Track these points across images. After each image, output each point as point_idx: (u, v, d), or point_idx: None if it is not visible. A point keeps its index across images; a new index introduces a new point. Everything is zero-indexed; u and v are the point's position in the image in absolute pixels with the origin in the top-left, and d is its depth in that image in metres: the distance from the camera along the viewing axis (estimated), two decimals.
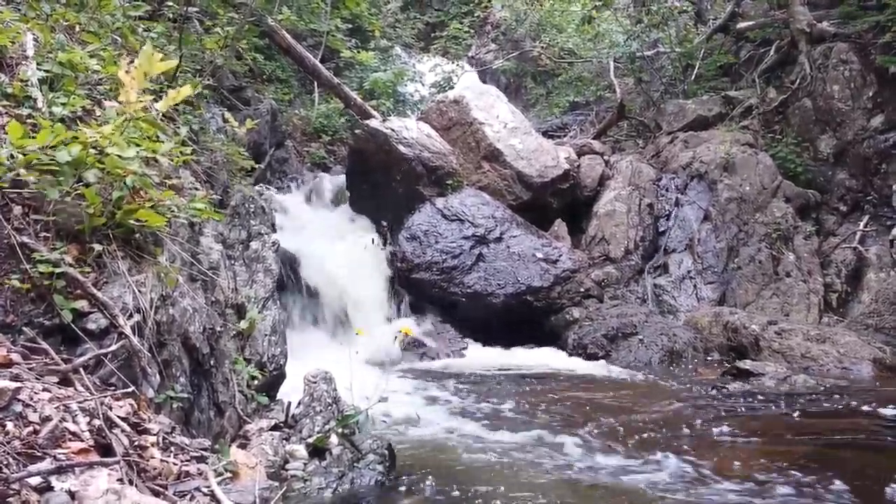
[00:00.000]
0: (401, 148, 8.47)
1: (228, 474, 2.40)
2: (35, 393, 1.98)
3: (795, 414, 4.67)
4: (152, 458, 2.09)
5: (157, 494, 1.96)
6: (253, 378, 4.10)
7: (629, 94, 12.25)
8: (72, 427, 1.94)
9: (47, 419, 1.88)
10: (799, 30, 9.53)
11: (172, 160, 3.13)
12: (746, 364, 5.96)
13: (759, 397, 5.13)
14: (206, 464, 2.29)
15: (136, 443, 2.10)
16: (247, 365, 4.12)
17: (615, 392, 5.58)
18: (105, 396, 2.17)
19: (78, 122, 3.01)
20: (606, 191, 9.47)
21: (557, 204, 9.32)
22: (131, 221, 2.67)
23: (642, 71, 12.43)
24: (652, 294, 8.41)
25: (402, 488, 3.23)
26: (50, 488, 1.66)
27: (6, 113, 2.84)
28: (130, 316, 2.50)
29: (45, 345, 2.26)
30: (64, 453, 1.82)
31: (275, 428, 3.61)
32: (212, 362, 3.35)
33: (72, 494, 1.65)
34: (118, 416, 2.14)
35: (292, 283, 7.33)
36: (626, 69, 12.63)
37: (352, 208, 9.12)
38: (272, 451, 3.25)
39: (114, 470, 1.84)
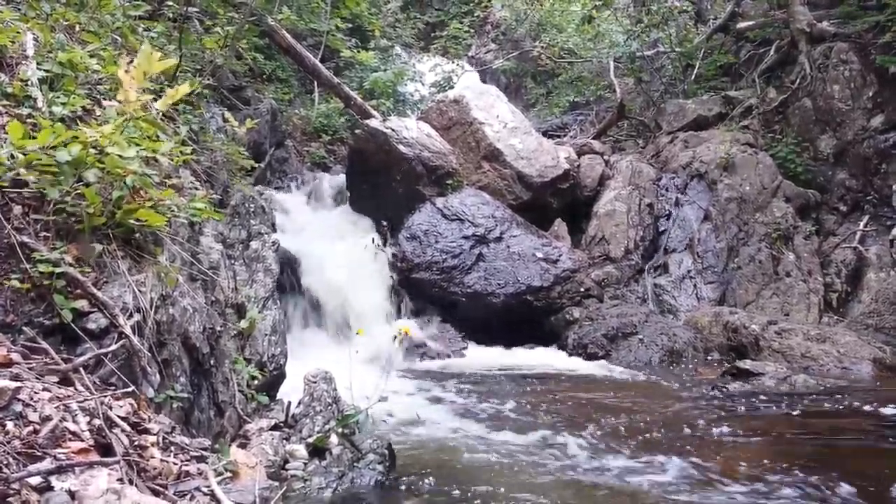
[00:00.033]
0: (401, 148, 8.47)
1: (228, 474, 2.40)
2: (35, 392, 1.98)
3: (796, 414, 4.67)
4: (152, 457, 2.08)
5: (157, 494, 1.96)
6: (253, 378, 4.10)
7: (629, 94, 12.25)
8: (72, 427, 1.94)
9: (47, 419, 1.88)
10: (799, 30, 9.52)
11: (172, 160, 3.13)
12: (746, 364, 5.97)
13: (761, 397, 5.12)
14: (206, 463, 2.29)
15: (136, 442, 2.10)
16: (247, 365, 4.12)
17: (616, 392, 5.58)
18: (105, 396, 2.17)
19: (78, 121, 3.01)
20: (606, 191, 9.47)
21: (557, 204, 9.32)
22: (131, 221, 2.67)
23: (642, 71, 12.43)
24: (652, 294, 8.41)
25: (402, 488, 3.23)
26: (50, 488, 1.66)
27: (6, 112, 2.84)
28: (130, 315, 2.50)
29: (45, 344, 2.26)
30: (64, 453, 1.82)
31: (275, 428, 3.61)
32: (212, 362, 3.35)
33: (72, 494, 1.65)
34: (118, 416, 2.14)
35: (292, 284, 7.33)
36: (626, 69, 12.64)
37: (352, 208, 9.12)
38: (272, 450, 3.25)
39: (114, 470, 1.84)
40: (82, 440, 1.91)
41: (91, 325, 2.37)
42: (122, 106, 2.75)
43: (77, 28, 3.95)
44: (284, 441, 3.46)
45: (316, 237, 8.11)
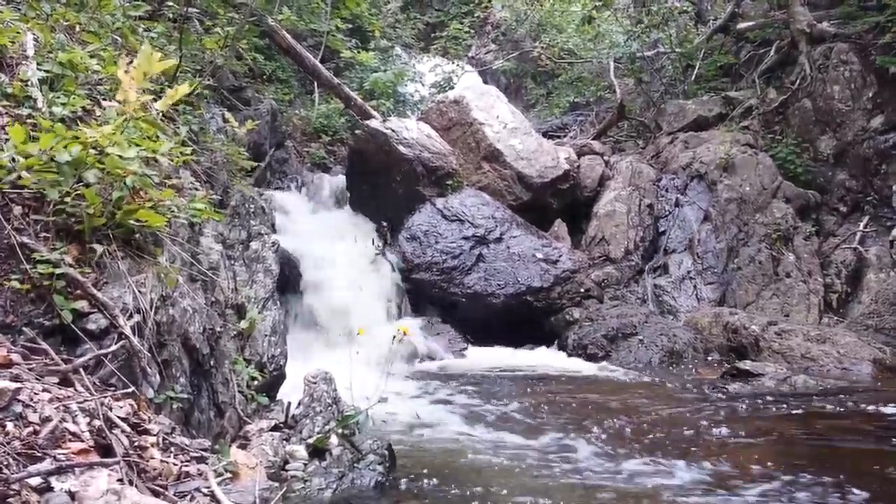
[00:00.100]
0: (401, 148, 8.47)
1: (228, 475, 2.40)
2: (35, 393, 1.98)
3: (797, 415, 4.67)
4: (152, 458, 2.08)
5: (157, 495, 1.95)
6: (253, 378, 4.10)
7: (629, 95, 12.24)
8: (72, 427, 1.94)
9: (47, 419, 1.88)
10: (799, 30, 9.53)
11: (172, 160, 3.13)
12: (746, 365, 5.97)
13: (762, 398, 5.12)
14: (206, 464, 2.28)
15: (136, 443, 2.10)
16: (247, 365, 4.12)
17: (617, 393, 5.58)
18: (105, 397, 2.17)
19: (78, 122, 3.01)
20: (606, 191, 9.47)
21: (557, 204, 9.32)
22: (131, 222, 2.66)
23: (642, 71, 12.43)
24: (652, 294, 8.41)
25: (403, 489, 3.23)
26: (50, 489, 1.66)
27: (6, 113, 2.84)
28: (130, 316, 2.50)
29: (45, 345, 2.26)
30: (64, 454, 1.82)
31: (275, 428, 3.61)
32: (212, 363, 3.35)
33: (72, 495, 1.65)
34: (118, 417, 2.14)
35: (292, 284, 7.32)
36: (626, 69, 12.64)
37: (352, 208, 9.12)
38: (272, 451, 3.24)
39: (114, 470, 1.84)
40: (82, 441, 1.91)
41: (91, 326, 2.37)
42: (121, 106, 2.75)
43: (77, 28, 3.95)
44: (284, 442, 3.46)
45: (316, 238, 8.11)
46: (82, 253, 2.51)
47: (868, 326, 7.47)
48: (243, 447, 3.17)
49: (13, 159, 2.40)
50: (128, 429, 2.13)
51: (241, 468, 2.49)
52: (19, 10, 3.68)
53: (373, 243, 8.16)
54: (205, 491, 2.08)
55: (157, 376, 2.62)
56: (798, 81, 9.37)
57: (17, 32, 3.28)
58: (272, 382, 4.50)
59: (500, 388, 5.81)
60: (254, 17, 8.01)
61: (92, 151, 2.55)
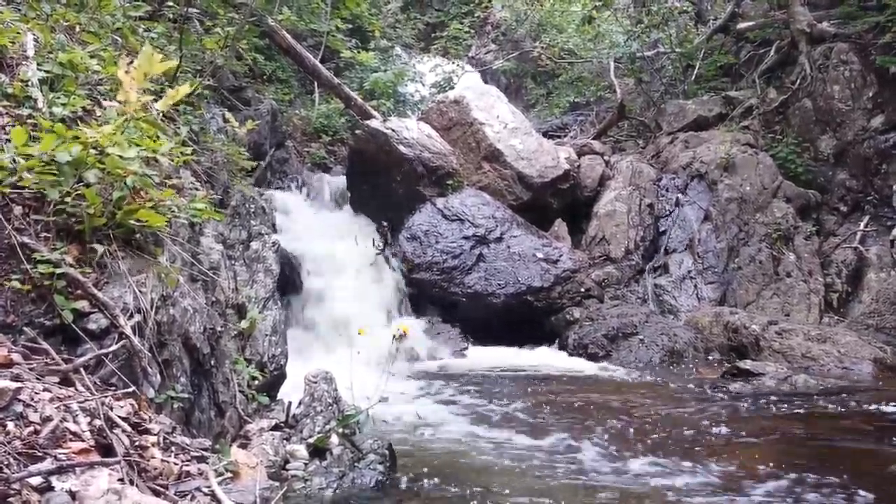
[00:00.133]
0: (401, 148, 8.47)
1: (229, 474, 2.40)
2: (36, 393, 1.98)
3: (799, 414, 4.68)
4: (153, 458, 2.09)
5: (157, 494, 1.96)
6: (253, 378, 4.10)
7: (629, 95, 12.24)
8: (72, 427, 1.94)
9: (48, 419, 1.88)
10: (799, 30, 9.52)
11: (173, 160, 3.13)
12: (747, 364, 5.97)
13: (764, 398, 5.12)
14: (207, 464, 2.29)
15: (136, 443, 2.10)
16: (247, 365, 4.12)
17: (617, 392, 5.58)
18: (106, 396, 2.17)
19: (78, 122, 3.01)
20: (607, 191, 9.47)
21: (558, 204, 9.32)
22: (132, 222, 2.67)
23: (642, 71, 12.43)
24: (652, 294, 8.41)
25: (403, 488, 3.23)
26: (51, 488, 1.66)
27: (7, 113, 2.84)
28: (131, 316, 2.50)
29: (45, 345, 2.26)
30: (65, 453, 1.82)
31: (275, 428, 3.61)
32: (212, 362, 3.35)
33: (72, 494, 1.65)
34: (119, 416, 2.14)
35: (292, 284, 7.32)
36: (626, 69, 12.63)
37: (352, 208, 9.12)
38: (273, 451, 3.25)
39: (114, 470, 1.84)
40: (83, 440, 1.91)
41: (92, 326, 2.38)
42: (122, 106, 2.75)
43: (77, 29, 3.95)
44: (285, 441, 3.46)
45: (316, 238, 8.11)
46: (83, 253, 2.51)
47: (869, 326, 7.47)
48: (244, 447, 3.17)
49: (14, 160, 2.41)
50: (128, 428, 2.13)
51: (242, 468, 2.49)
52: (19, 10, 3.69)
53: (373, 243, 8.16)
54: (205, 490, 2.08)
55: (158, 376, 2.62)
56: (798, 81, 9.36)
57: (18, 33, 3.29)
58: (273, 382, 4.50)
59: (500, 388, 5.81)
60: (254, 17, 8.01)
61: (92, 151, 2.55)
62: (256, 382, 4.12)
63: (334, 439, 3.43)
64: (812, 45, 9.36)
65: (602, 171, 9.83)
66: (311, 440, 3.45)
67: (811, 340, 6.43)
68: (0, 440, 1.74)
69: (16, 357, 2.12)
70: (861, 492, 3.17)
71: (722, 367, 6.33)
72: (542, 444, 4.09)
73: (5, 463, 1.67)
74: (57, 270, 2.34)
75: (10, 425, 1.81)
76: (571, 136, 12.31)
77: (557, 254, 8.21)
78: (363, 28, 13.30)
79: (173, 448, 2.27)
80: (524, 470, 3.58)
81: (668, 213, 9.12)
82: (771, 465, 3.59)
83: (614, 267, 8.63)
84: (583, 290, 8.02)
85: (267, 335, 4.61)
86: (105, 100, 3.32)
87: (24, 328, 2.26)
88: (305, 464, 3.27)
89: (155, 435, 2.20)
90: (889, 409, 4.72)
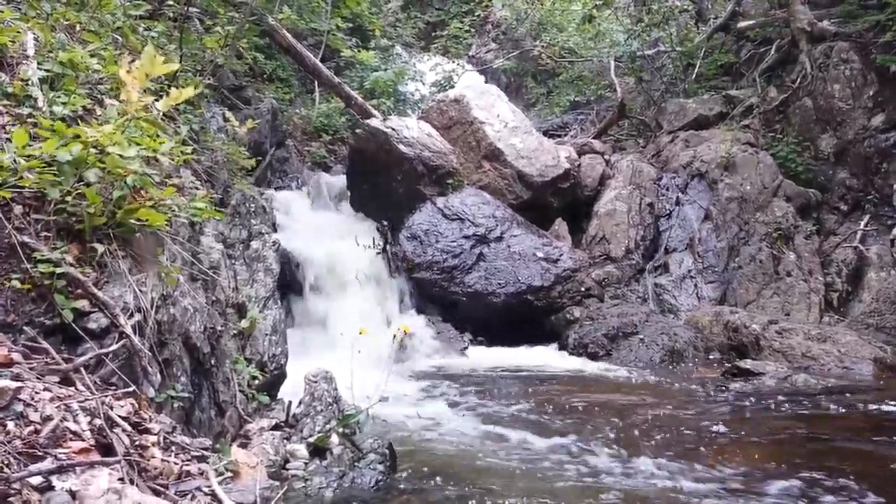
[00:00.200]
0: (401, 147, 8.46)
1: (229, 474, 2.40)
2: (36, 392, 1.98)
3: (802, 414, 4.68)
4: (153, 457, 2.08)
5: (157, 494, 1.96)
6: (254, 377, 4.10)
7: (630, 94, 12.24)
8: (73, 426, 1.94)
9: (48, 419, 1.88)
10: (800, 29, 9.52)
11: (173, 159, 3.13)
12: (747, 363, 5.97)
13: (764, 397, 5.13)
14: (207, 463, 2.29)
15: (136, 442, 2.10)
16: (248, 364, 4.12)
17: (617, 392, 5.59)
18: (106, 396, 2.17)
19: (79, 121, 3.01)
20: (607, 190, 9.47)
21: (558, 203, 9.32)
22: (132, 221, 2.66)
23: (643, 70, 12.42)
24: (653, 293, 8.41)
25: (403, 488, 3.23)
26: (51, 488, 1.66)
27: (7, 112, 2.84)
28: (131, 315, 2.50)
29: (45, 344, 2.26)
30: (65, 453, 1.82)
31: (276, 427, 3.62)
32: (213, 362, 3.35)
33: (73, 494, 1.65)
34: (119, 416, 2.14)
35: (293, 283, 7.33)
36: (626, 68, 12.62)
37: (352, 208, 9.12)
38: (273, 450, 3.25)
39: (115, 469, 1.84)
40: (83, 440, 1.91)
41: (92, 325, 2.37)
42: (123, 106, 2.75)
43: (77, 28, 3.95)
44: (285, 441, 3.46)
45: (316, 237, 8.11)
46: (83, 252, 2.51)
47: (869, 325, 7.47)
48: (244, 446, 3.17)
49: (14, 161, 2.40)
50: (129, 428, 2.13)
51: (242, 467, 2.49)
52: (20, 9, 3.68)
53: (373, 242, 8.16)
54: (206, 490, 2.08)
55: (158, 375, 2.62)
56: (799, 80, 9.36)
57: (18, 32, 3.28)
58: (273, 381, 4.50)
59: (500, 388, 5.81)
60: (254, 16, 8.01)
61: (93, 151, 2.55)
62: (257, 382, 4.12)
63: (334, 439, 3.43)
64: (813, 44, 9.35)
65: (602, 171, 9.83)
66: (311, 440, 3.45)
67: (811, 340, 6.43)
68: (0, 440, 1.74)
69: (16, 356, 2.11)
70: (864, 492, 3.17)
71: (722, 367, 6.33)
72: (543, 443, 4.08)
73: (6, 462, 1.67)
74: (57, 270, 2.33)
75: (11, 425, 1.81)
76: (572, 135, 12.30)
77: (558, 253, 8.21)
78: (363, 27, 13.29)
79: (173, 447, 2.27)
80: (525, 470, 3.58)
81: (668, 212, 9.12)
82: (774, 465, 3.59)
83: (614, 266, 8.63)
84: (583, 289, 8.02)
85: (267, 334, 4.61)
86: (106, 98, 3.32)
87: (25, 327, 2.26)
88: (305, 463, 3.28)
89: (155, 434, 2.20)
90: (890, 408, 4.72)
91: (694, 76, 11.55)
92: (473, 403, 5.18)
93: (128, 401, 2.26)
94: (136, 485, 1.90)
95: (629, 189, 9.25)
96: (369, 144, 8.68)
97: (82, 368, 2.25)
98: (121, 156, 2.56)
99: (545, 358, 7.14)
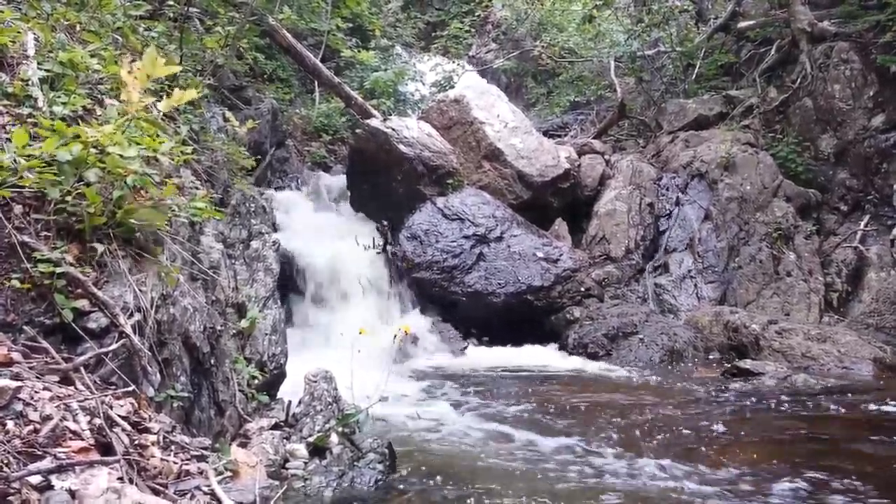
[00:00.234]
0: (401, 147, 8.46)
1: (229, 473, 2.40)
2: (36, 392, 1.98)
3: (801, 414, 4.67)
4: (153, 456, 2.09)
5: (157, 493, 1.96)
6: (253, 377, 4.10)
7: (630, 94, 12.24)
8: (72, 426, 1.94)
9: (48, 418, 1.89)
10: (800, 29, 9.52)
11: (173, 159, 3.13)
12: (747, 363, 5.97)
13: (765, 397, 5.12)
14: (207, 463, 2.29)
15: (136, 442, 2.10)
16: (247, 364, 4.13)
17: (617, 392, 5.58)
18: (105, 395, 2.18)
19: (79, 121, 3.01)
20: (607, 190, 9.47)
21: (558, 203, 9.32)
22: (132, 221, 2.67)
23: (643, 70, 12.42)
24: (652, 293, 8.41)
25: (403, 487, 3.23)
26: (50, 487, 1.66)
27: (7, 112, 2.84)
28: (131, 315, 2.50)
29: (45, 344, 2.26)
30: (64, 452, 1.83)
31: (275, 427, 3.62)
32: (212, 361, 3.35)
33: (72, 493, 1.65)
34: (118, 415, 2.14)
35: (293, 283, 7.33)
36: (626, 68, 12.63)
37: (352, 208, 9.13)
38: (272, 450, 3.25)
39: (114, 469, 1.85)
40: (83, 439, 1.92)
41: (91, 325, 2.38)
42: (123, 106, 2.75)
43: (78, 28, 3.95)
44: (285, 440, 3.46)
45: (316, 237, 8.11)
46: (83, 252, 2.51)
47: (869, 325, 7.47)
48: (244, 446, 3.18)
49: (15, 161, 2.41)
50: (128, 427, 2.13)
51: (242, 467, 2.49)
52: (20, 9, 3.69)
53: (373, 242, 8.16)
54: (205, 489, 2.09)
55: (158, 375, 2.62)
56: (799, 80, 9.36)
57: (18, 32, 3.29)
58: (272, 381, 4.50)
59: (500, 387, 5.81)
60: (254, 16, 8.01)
61: (93, 150, 2.55)
62: (256, 381, 4.12)
63: (334, 438, 3.43)
64: (813, 44, 9.36)
65: (602, 171, 9.83)
66: (310, 439, 3.45)
67: (811, 340, 6.43)
68: (0, 439, 1.74)
69: (16, 356, 2.12)
70: (866, 492, 3.17)
71: (722, 367, 6.33)
72: (543, 443, 4.08)
73: (5, 462, 1.67)
74: (57, 269, 2.34)
75: (10, 424, 1.81)
76: (572, 135, 12.31)
77: (558, 253, 8.21)
78: (363, 27, 13.29)
79: (173, 447, 2.27)
80: (525, 470, 3.58)
81: (668, 212, 9.12)
82: (774, 466, 3.59)
83: (614, 266, 8.63)
84: (583, 289, 8.02)
85: (267, 334, 4.61)
86: (106, 98, 3.32)
87: (24, 327, 2.27)
88: (305, 463, 3.28)
89: (155, 434, 2.20)
90: (890, 408, 4.72)
91: (694, 76, 11.55)
92: (473, 403, 5.18)
93: (127, 400, 2.26)
94: (136, 484, 1.90)
95: (629, 189, 9.25)
96: (369, 144, 8.69)
97: (82, 368, 2.26)
98: (121, 156, 2.57)
99: (545, 358, 7.14)
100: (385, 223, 8.30)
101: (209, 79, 5.72)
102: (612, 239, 8.85)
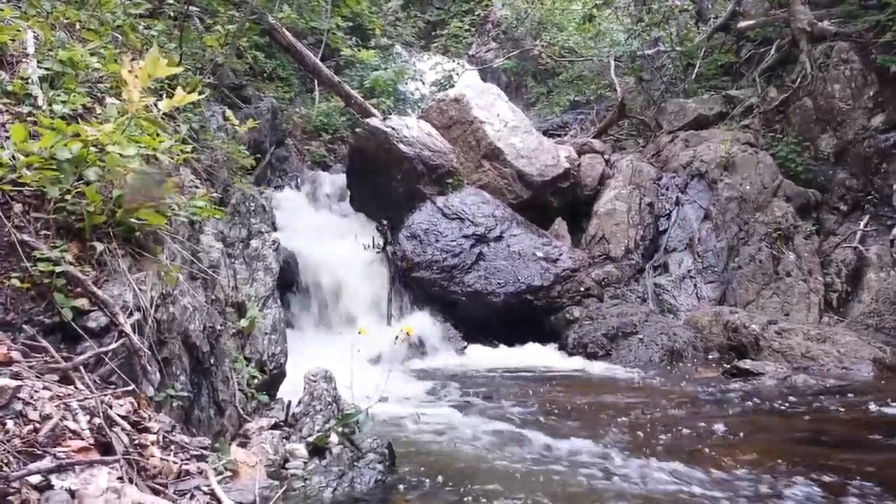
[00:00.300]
0: (401, 146, 8.46)
1: (228, 473, 2.40)
2: (35, 391, 1.98)
3: (801, 414, 4.67)
4: (152, 456, 2.08)
5: (157, 493, 1.95)
6: (253, 377, 4.09)
7: (630, 93, 12.24)
8: (72, 425, 1.93)
9: (47, 417, 1.88)
10: (800, 29, 9.52)
11: (173, 158, 3.12)
12: (747, 364, 5.97)
13: (764, 398, 5.12)
14: (207, 462, 2.28)
15: (136, 441, 2.10)
16: (247, 363, 4.12)
17: (617, 392, 5.58)
18: (105, 395, 2.17)
19: (78, 119, 3.01)
20: (607, 190, 9.47)
21: (558, 203, 9.32)
22: (132, 220, 2.66)
23: (643, 70, 12.42)
24: (652, 293, 8.41)
25: (402, 487, 3.23)
26: (50, 487, 1.66)
27: (7, 111, 2.83)
28: (131, 314, 2.50)
29: (45, 343, 2.26)
30: (64, 452, 1.82)
31: (275, 427, 3.61)
32: (212, 361, 3.34)
33: (72, 493, 1.65)
34: (118, 415, 2.14)
35: (292, 282, 7.32)
36: (626, 68, 12.63)
37: (352, 207, 9.13)
38: (272, 449, 3.24)
39: (114, 468, 1.84)
40: (82, 439, 1.91)
41: (91, 324, 2.37)
42: (124, 105, 2.75)
43: (77, 26, 3.95)
44: (284, 440, 3.46)
45: (316, 236, 8.11)
46: (82, 251, 2.51)
47: (868, 325, 7.47)
48: (243, 445, 3.17)
49: (13, 157, 2.40)
50: (128, 427, 2.12)
51: (241, 466, 2.49)
52: (19, 7, 3.68)
53: (373, 242, 8.16)
54: (205, 489, 2.08)
55: (158, 374, 2.62)
56: (799, 80, 9.37)
57: (18, 30, 3.28)
58: (272, 381, 4.50)
59: (500, 387, 5.81)
60: (254, 14, 8.00)
61: (92, 149, 2.55)
62: (256, 381, 4.11)
63: (334, 438, 3.42)
64: (813, 44, 9.36)
65: (602, 170, 9.83)
66: (310, 439, 3.45)
67: (811, 340, 6.43)
68: (0, 438, 1.74)
69: (15, 355, 2.11)
70: (868, 492, 3.17)
71: (722, 367, 6.32)
72: (543, 443, 4.07)
73: (5, 461, 1.66)
74: (56, 268, 2.33)
75: (10, 423, 1.81)
76: (571, 134, 12.30)
77: (557, 253, 8.21)
78: (363, 26, 13.30)
79: (173, 446, 2.26)
80: (525, 470, 3.57)
81: (668, 212, 9.12)
82: (775, 466, 3.58)
83: (614, 266, 8.63)
84: (583, 289, 8.02)
85: (266, 334, 4.61)
86: (106, 97, 3.32)
87: (24, 326, 2.26)
88: (305, 463, 3.27)
89: (154, 433, 2.19)
90: (890, 409, 4.71)
91: (694, 76, 11.56)
92: (473, 403, 5.18)
93: (127, 399, 2.26)
94: (136, 484, 1.90)
95: (629, 189, 9.25)
96: (369, 144, 8.68)
97: (82, 367, 2.25)
98: (120, 154, 2.56)
99: (545, 358, 7.14)
100: (385, 222, 8.30)
101: (209, 77, 5.71)
102: (612, 239, 8.85)
